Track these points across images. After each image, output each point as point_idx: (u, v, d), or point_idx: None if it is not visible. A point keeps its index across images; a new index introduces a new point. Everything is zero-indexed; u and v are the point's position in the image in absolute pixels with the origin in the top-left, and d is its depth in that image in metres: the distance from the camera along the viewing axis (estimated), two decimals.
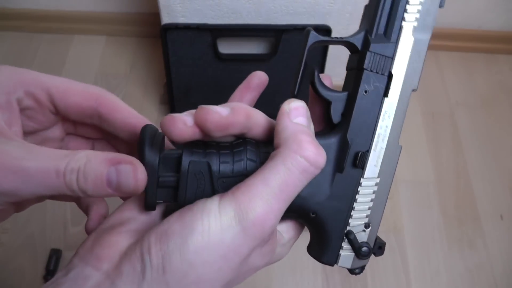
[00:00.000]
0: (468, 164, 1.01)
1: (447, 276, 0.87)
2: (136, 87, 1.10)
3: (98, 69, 1.12)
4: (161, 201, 0.25)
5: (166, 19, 0.85)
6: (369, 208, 0.27)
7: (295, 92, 0.26)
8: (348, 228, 0.27)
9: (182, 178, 0.24)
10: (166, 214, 0.26)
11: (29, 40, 1.16)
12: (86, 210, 0.29)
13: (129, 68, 1.13)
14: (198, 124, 0.23)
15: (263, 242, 0.23)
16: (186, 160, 0.24)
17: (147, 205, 0.25)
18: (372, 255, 0.28)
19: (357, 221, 0.27)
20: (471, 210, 0.95)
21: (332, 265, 0.28)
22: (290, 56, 0.89)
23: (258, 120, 0.25)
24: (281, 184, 0.22)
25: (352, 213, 0.27)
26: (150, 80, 1.11)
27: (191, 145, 0.25)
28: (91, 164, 0.22)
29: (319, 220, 0.27)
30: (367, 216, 0.27)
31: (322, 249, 0.28)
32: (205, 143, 0.25)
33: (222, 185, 0.24)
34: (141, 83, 1.10)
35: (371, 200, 0.27)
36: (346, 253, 0.28)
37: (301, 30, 0.85)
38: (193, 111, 0.24)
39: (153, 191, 0.24)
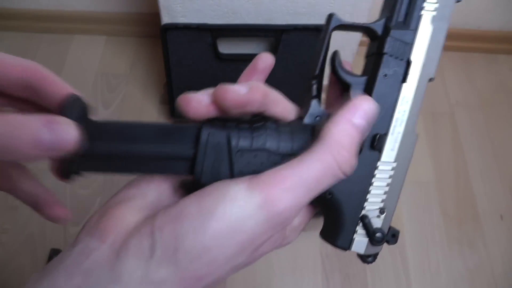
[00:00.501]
0: (468, 164, 1.01)
1: (447, 276, 0.87)
2: (136, 87, 1.10)
3: (98, 69, 1.12)
4: (84, 171, 0.25)
5: (166, 19, 0.85)
6: (385, 193, 0.27)
7: (316, 73, 0.27)
8: (363, 212, 0.27)
9: (200, 150, 0.24)
10: (177, 190, 0.26)
11: (29, 40, 1.16)
12: (31, 199, 0.29)
13: (129, 68, 1.13)
14: (217, 102, 0.24)
15: (279, 232, 0.24)
16: (205, 131, 0.24)
17: (63, 173, 0.25)
18: (385, 244, 0.28)
19: (372, 205, 0.27)
20: (471, 210, 0.95)
21: (345, 249, 0.28)
22: (290, 56, 0.89)
23: (275, 98, 0.26)
24: (314, 181, 0.22)
25: (367, 197, 0.27)
26: (150, 80, 1.11)
27: (210, 120, 0.25)
28: (18, 125, 0.21)
29: (335, 201, 0.27)
30: (382, 201, 0.27)
31: (336, 233, 0.28)
32: (224, 119, 0.25)
33: (240, 159, 0.24)
34: (141, 83, 1.10)
35: (387, 185, 0.27)
36: (360, 238, 0.28)
37: (301, 30, 0.85)
38: (209, 90, 0.24)
39: (71, 159, 0.24)
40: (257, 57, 0.28)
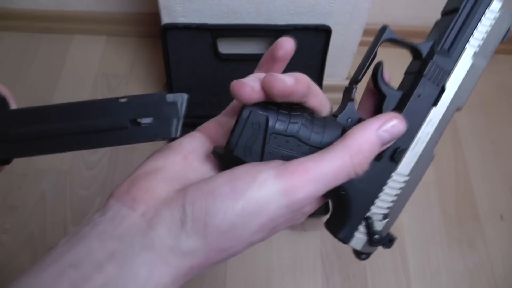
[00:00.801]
0: (468, 164, 1.01)
1: (447, 276, 0.87)
2: (136, 87, 1.10)
3: (98, 69, 1.12)
4: (8, 157, 0.27)
5: (166, 19, 0.85)
6: (392, 202, 0.29)
7: (358, 79, 0.29)
8: (368, 213, 0.29)
9: (239, 124, 0.26)
10: (205, 160, 0.28)
11: (29, 40, 1.16)
12: None
13: (129, 68, 1.13)
14: (265, 89, 0.25)
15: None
16: (248, 109, 0.26)
17: None
18: (380, 247, 0.30)
19: (378, 209, 0.29)
20: (471, 210, 0.95)
21: (345, 242, 0.30)
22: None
23: (316, 91, 0.28)
24: (331, 177, 0.25)
25: (376, 201, 0.29)
26: (150, 80, 1.11)
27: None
28: None
29: (346, 198, 0.29)
30: (388, 208, 0.29)
31: (341, 226, 0.30)
32: (267, 102, 0.27)
33: (272, 140, 0.27)
34: (141, 83, 1.10)
35: (396, 195, 0.29)
36: (360, 236, 0.30)
37: (301, 30, 0.85)
38: (260, 75, 0.26)
39: None
40: (276, 43, 0.28)
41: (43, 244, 0.86)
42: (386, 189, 0.29)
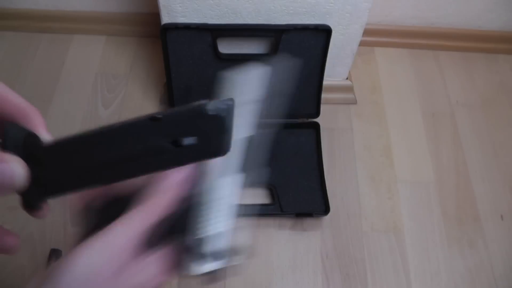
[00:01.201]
0: (468, 164, 1.01)
1: (447, 276, 0.87)
2: (136, 87, 1.10)
3: (98, 69, 1.12)
4: (46, 199, 0.27)
5: (166, 19, 0.85)
6: (210, 222, 0.30)
7: None
8: (191, 241, 0.29)
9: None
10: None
11: (29, 40, 1.16)
12: None
13: (129, 68, 1.13)
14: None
15: (126, 266, 0.28)
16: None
17: (25, 206, 0.27)
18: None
19: (200, 233, 0.30)
20: (471, 210, 0.95)
21: (187, 274, 0.30)
22: (290, 56, 0.89)
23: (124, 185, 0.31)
24: (139, 226, 0.28)
25: (194, 226, 0.30)
26: (150, 80, 1.11)
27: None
28: None
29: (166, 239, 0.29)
30: (209, 228, 0.30)
31: (178, 264, 0.30)
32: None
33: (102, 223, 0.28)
34: (141, 83, 1.10)
35: (215, 213, 0.31)
36: (194, 263, 0.30)
37: (301, 30, 0.85)
38: None
39: (28, 192, 0.26)
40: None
41: (42, 244, 0.86)
42: (197, 212, 0.30)
